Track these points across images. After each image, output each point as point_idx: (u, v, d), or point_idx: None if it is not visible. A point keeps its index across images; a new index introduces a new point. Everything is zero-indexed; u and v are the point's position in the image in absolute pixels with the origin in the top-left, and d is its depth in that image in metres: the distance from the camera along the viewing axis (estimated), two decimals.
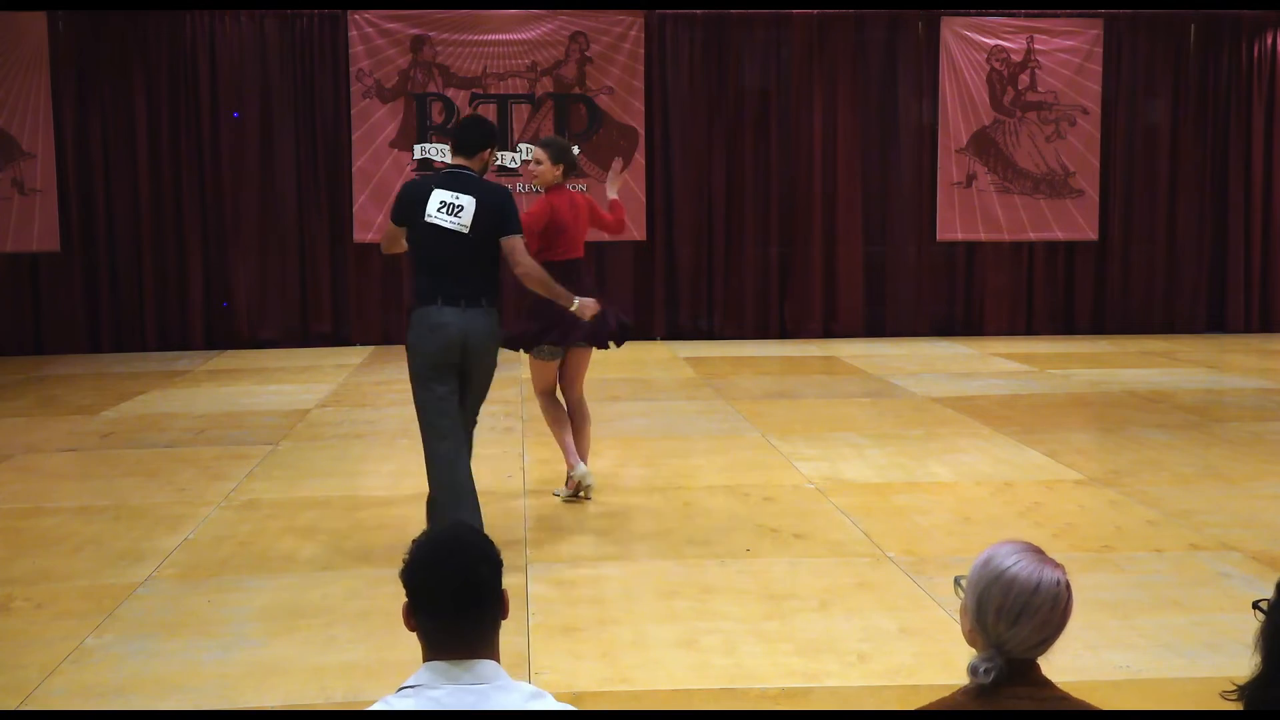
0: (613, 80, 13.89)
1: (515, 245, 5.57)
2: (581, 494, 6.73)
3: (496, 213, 5.54)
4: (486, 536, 2.33)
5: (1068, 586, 2.28)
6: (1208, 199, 14.73)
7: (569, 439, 6.74)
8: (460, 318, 5.49)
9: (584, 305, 5.94)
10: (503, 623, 2.33)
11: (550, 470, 7.41)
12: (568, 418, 6.79)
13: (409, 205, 5.63)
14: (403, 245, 5.79)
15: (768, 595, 5.18)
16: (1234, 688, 2.07)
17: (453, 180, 5.59)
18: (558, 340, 6.58)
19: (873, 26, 14.24)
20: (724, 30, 14.03)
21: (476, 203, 5.51)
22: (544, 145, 6.57)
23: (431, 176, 5.78)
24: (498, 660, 2.28)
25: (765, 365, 12.26)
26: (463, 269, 5.52)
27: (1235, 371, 11.73)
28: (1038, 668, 2.29)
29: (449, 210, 5.52)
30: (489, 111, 13.78)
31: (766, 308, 14.36)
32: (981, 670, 2.24)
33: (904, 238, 14.42)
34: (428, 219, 5.54)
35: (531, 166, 6.52)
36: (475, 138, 5.71)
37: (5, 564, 5.70)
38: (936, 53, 14.30)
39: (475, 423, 5.92)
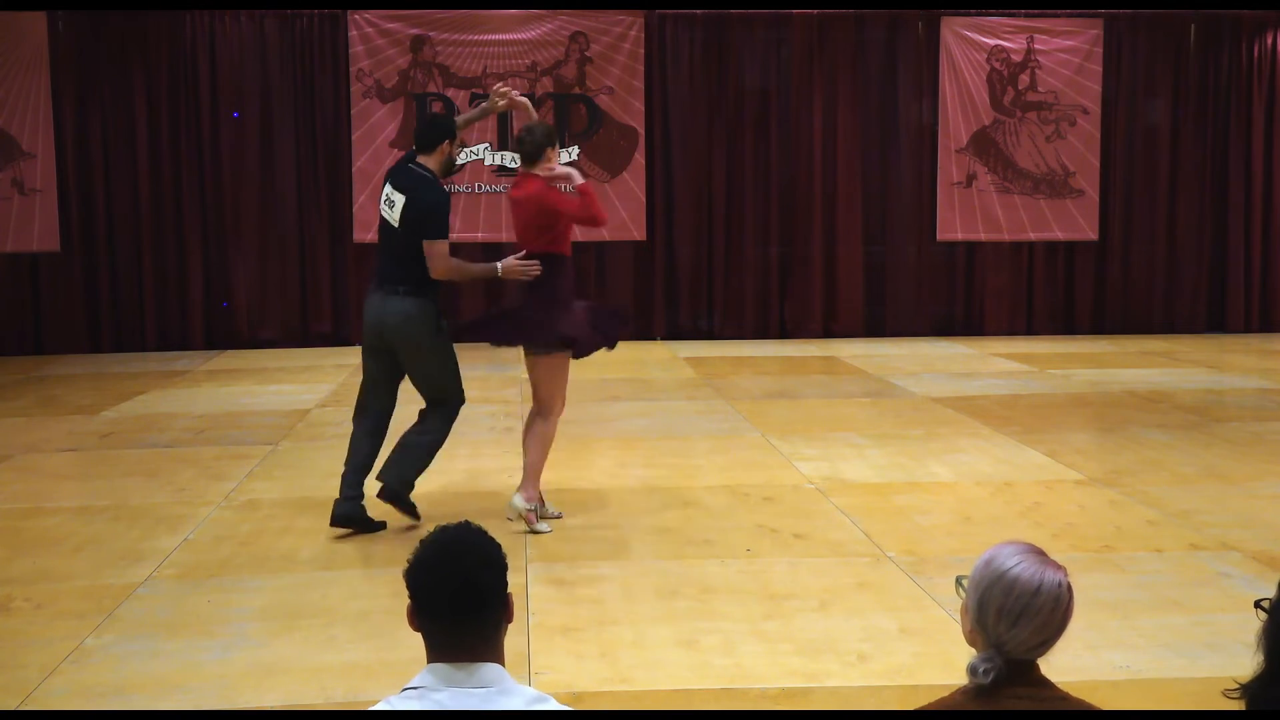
0: (613, 80, 13.89)
1: (430, 250, 5.95)
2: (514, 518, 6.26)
3: (420, 214, 5.96)
4: (492, 539, 2.32)
5: (1069, 588, 2.28)
6: (1208, 199, 14.73)
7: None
8: (378, 303, 6.04)
9: (508, 267, 6.10)
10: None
11: (550, 471, 7.40)
12: None
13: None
14: None
15: (768, 595, 5.18)
16: (1236, 686, 2.07)
17: (398, 175, 6.11)
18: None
19: (873, 26, 14.24)
20: (724, 30, 14.03)
21: (406, 201, 5.96)
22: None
23: (394, 166, 6.21)
24: (502, 663, 2.27)
25: (765, 365, 12.26)
26: (389, 257, 6.06)
27: (1235, 371, 11.73)
28: (1037, 668, 2.29)
29: (387, 204, 6.05)
30: None
31: (766, 308, 14.35)
32: (981, 670, 2.24)
33: (904, 238, 14.42)
34: (380, 206, 6.14)
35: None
36: (430, 135, 6.12)
37: (5, 564, 5.70)
38: (936, 53, 14.29)
39: (439, 400, 6.21)
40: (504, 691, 2.21)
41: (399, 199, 5.97)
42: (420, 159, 6.07)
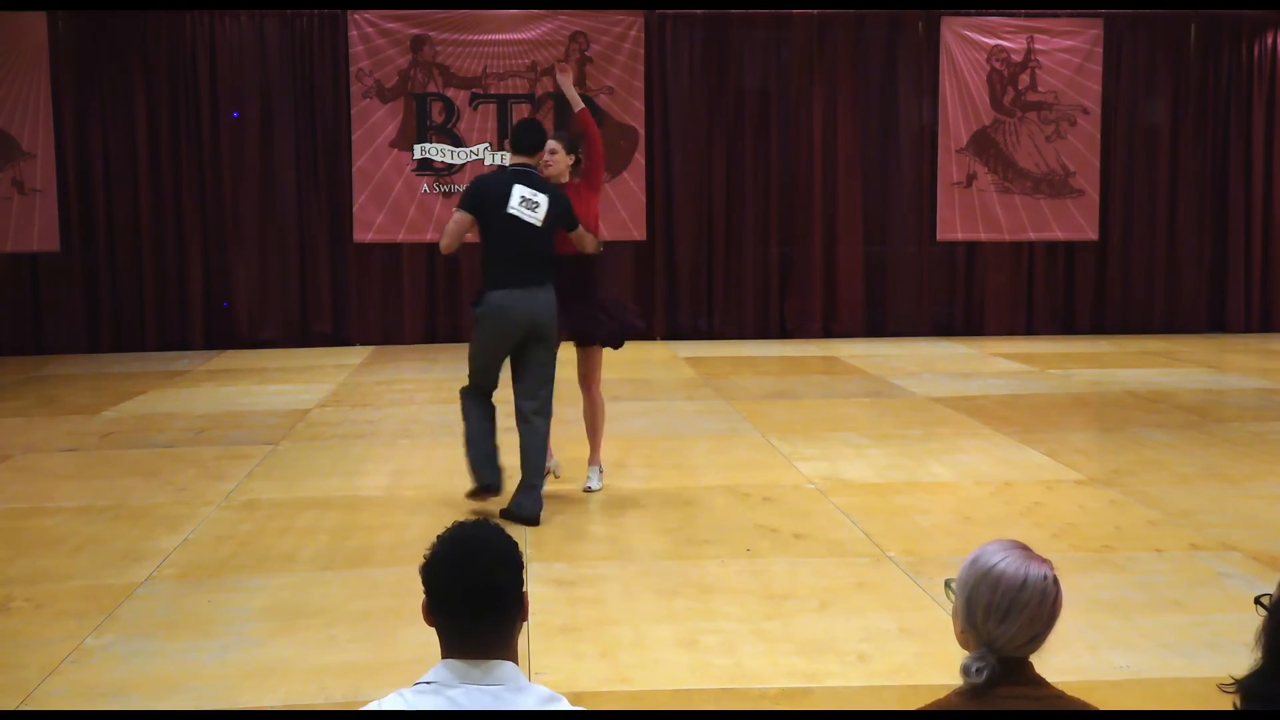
0: (613, 80, 13.90)
1: (579, 235, 6.47)
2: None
3: (563, 210, 6.35)
4: (509, 537, 2.31)
5: (1055, 582, 2.28)
6: (1208, 199, 14.73)
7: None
8: (526, 297, 6.25)
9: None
10: None
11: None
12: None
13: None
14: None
15: (768, 595, 5.18)
16: (1231, 680, 2.07)
17: (527, 179, 6.31)
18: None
19: (873, 26, 14.24)
20: (724, 30, 14.03)
21: (550, 200, 6.28)
22: (557, 137, 6.78)
23: (512, 172, 6.36)
24: (515, 661, 2.27)
25: (765, 365, 12.26)
26: (528, 255, 6.28)
27: (1235, 371, 11.72)
28: (1031, 666, 2.29)
29: (527, 206, 6.24)
30: (489, 111, 13.79)
31: (766, 308, 14.36)
32: (974, 670, 2.24)
33: (904, 238, 14.42)
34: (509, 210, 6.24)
35: (547, 157, 6.63)
36: (535, 139, 6.44)
37: (5, 564, 5.70)
38: (936, 53, 14.30)
39: (549, 382, 6.47)
40: (517, 690, 2.21)
41: (543, 199, 6.25)
42: (527, 162, 6.37)
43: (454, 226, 6.30)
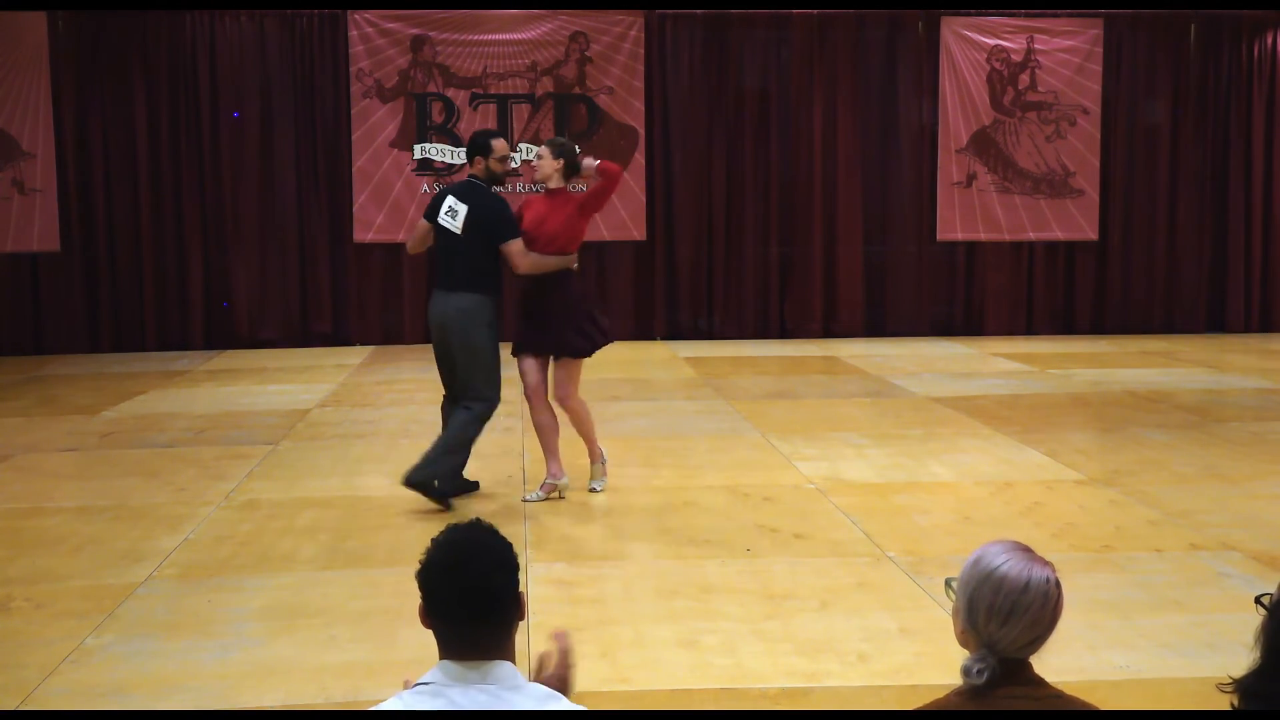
0: (613, 80, 13.89)
1: (508, 250, 6.50)
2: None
3: (485, 221, 6.52)
4: (504, 539, 2.31)
5: (1057, 584, 2.28)
6: (1208, 199, 14.73)
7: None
8: (440, 300, 6.59)
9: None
10: None
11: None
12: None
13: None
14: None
15: (768, 595, 5.18)
16: (1230, 680, 2.07)
17: (459, 188, 6.71)
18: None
19: (873, 26, 14.24)
20: (724, 30, 14.03)
21: (468, 210, 6.54)
22: (549, 143, 6.82)
23: (457, 183, 6.97)
24: (513, 660, 2.27)
25: (765, 365, 12.26)
26: (449, 262, 6.60)
27: (1235, 371, 11.72)
28: (1030, 667, 2.29)
29: (449, 214, 6.58)
30: (489, 111, 13.80)
31: (766, 308, 14.36)
32: (974, 671, 2.24)
33: (904, 238, 14.42)
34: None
35: (534, 161, 7.00)
36: (468, 152, 6.77)
37: (5, 564, 5.70)
38: (936, 53, 14.30)
39: (470, 397, 6.55)
40: (515, 688, 2.21)
41: (462, 209, 6.54)
42: (471, 172, 6.72)
43: (415, 232, 6.87)
